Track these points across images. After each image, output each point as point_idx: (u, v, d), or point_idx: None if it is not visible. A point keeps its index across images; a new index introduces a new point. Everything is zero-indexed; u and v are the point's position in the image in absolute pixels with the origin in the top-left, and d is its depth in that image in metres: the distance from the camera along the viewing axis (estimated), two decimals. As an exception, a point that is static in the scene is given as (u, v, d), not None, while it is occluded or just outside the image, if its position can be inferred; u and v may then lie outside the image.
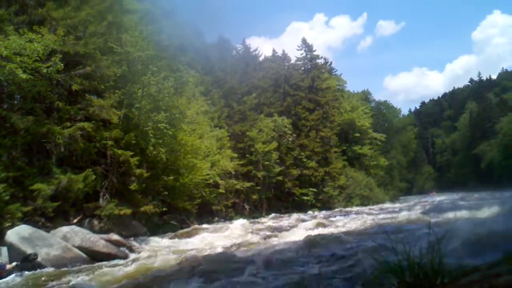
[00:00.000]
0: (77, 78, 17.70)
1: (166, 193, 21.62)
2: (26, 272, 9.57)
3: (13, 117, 15.50)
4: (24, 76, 14.53)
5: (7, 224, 12.69)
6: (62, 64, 16.21)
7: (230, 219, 30.11)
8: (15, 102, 17.24)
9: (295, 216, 29.39)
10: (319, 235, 12.88)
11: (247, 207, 35.90)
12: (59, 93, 17.86)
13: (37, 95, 16.72)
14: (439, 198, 52.94)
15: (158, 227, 20.29)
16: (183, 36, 37.41)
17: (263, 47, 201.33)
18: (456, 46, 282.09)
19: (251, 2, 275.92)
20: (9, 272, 9.38)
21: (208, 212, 28.93)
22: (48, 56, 16.00)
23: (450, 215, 16.47)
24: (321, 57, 59.88)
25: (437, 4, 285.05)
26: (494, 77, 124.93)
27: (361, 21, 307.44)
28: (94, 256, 11.56)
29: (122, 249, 12.68)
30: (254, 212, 35.76)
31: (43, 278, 8.98)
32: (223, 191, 30.86)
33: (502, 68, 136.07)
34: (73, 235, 12.11)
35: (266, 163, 38.42)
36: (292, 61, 54.16)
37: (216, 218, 29.07)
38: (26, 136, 16.09)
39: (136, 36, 20.14)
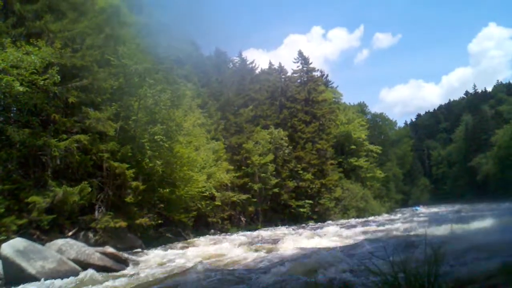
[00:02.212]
0: (74, 90, 17.68)
1: (162, 205, 21.57)
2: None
3: (9, 130, 15.45)
4: (21, 88, 14.50)
5: (2, 237, 12.60)
6: (59, 77, 16.21)
7: (226, 231, 30.04)
8: (11, 114, 17.21)
9: (291, 228, 29.34)
10: (314, 247, 12.86)
11: (243, 219, 35.80)
12: (56, 105, 17.81)
13: (34, 107, 16.69)
14: (425, 211, 53.17)
15: (153, 239, 20.17)
16: (180, 48, 37.56)
17: (261, 59, 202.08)
18: (452, 58, 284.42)
19: (248, 15, 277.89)
20: None
21: (204, 225, 28.83)
22: (45, 69, 16.00)
23: (447, 226, 16.47)
24: (318, 70, 60.42)
25: (434, 16, 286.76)
26: (489, 89, 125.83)
27: (358, 33, 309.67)
28: (89, 269, 11.48)
29: (118, 262, 12.60)
30: (250, 224, 35.67)
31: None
32: (219, 203, 30.76)
33: (497, 80, 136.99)
34: (68, 248, 12.03)
35: (263, 175, 38.41)
36: (289, 74, 54.43)
37: (212, 231, 28.95)
38: (22, 149, 16.05)
39: (133, 48, 20.21)
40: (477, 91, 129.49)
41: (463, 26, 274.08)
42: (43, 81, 15.67)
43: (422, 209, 56.15)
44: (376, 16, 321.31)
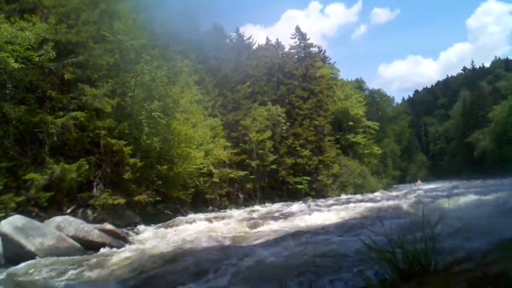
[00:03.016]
0: (70, 67, 17.55)
1: (160, 182, 21.60)
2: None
3: (5, 107, 15.37)
4: (15, 65, 14.38)
5: (1, 215, 12.64)
6: (54, 53, 16.07)
7: (224, 208, 30.18)
8: (7, 91, 17.08)
9: (289, 204, 29.50)
10: (312, 223, 12.95)
11: (241, 196, 35.96)
12: (52, 82, 17.68)
13: (29, 84, 16.59)
14: (425, 187, 51.40)
15: (152, 216, 20.26)
16: (176, 24, 37.12)
17: (258, 35, 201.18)
18: (450, 33, 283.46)
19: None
20: None
21: (202, 201, 28.94)
22: (40, 45, 15.86)
23: (444, 202, 16.58)
24: (315, 46, 59.87)
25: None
26: (487, 65, 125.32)
27: (356, 8, 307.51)
28: (88, 246, 11.55)
29: (116, 238, 12.67)
30: (248, 201, 35.83)
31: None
32: (217, 180, 30.84)
33: (495, 56, 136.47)
34: (67, 225, 12.08)
35: (260, 152, 38.43)
36: (286, 50, 54.03)
37: (210, 207, 29.08)
38: (19, 126, 15.99)
39: (128, 24, 19.97)
40: (475, 67, 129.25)
41: (462, 1, 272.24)
42: (38, 57, 15.53)
43: (419, 186, 55.75)
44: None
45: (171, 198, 23.16)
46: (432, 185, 57.78)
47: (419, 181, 62.43)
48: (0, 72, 15.11)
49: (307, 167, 44.78)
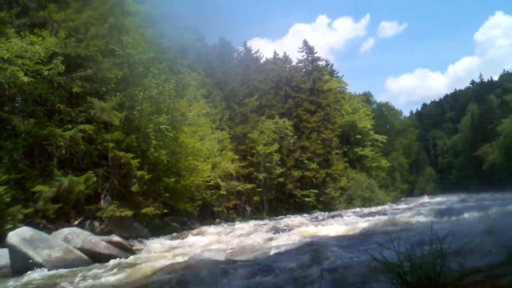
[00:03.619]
0: (78, 80, 17.72)
1: (167, 195, 21.64)
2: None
3: (15, 120, 15.53)
4: (25, 78, 14.52)
5: (9, 226, 12.70)
6: (63, 67, 16.26)
7: (232, 220, 30.14)
8: (17, 104, 17.26)
9: (296, 217, 29.38)
10: (320, 236, 12.88)
11: (248, 208, 35.92)
12: (61, 95, 17.88)
13: (39, 97, 16.75)
14: (433, 201, 51.20)
15: (159, 228, 20.27)
16: (184, 38, 37.44)
17: (266, 48, 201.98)
18: (458, 47, 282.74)
19: (253, 3, 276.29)
20: None
21: (209, 214, 28.94)
22: (50, 59, 16.04)
23: (453, 216, 16.44)
24: (323, 59, 60.23)
25: (440, 5, 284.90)
26: (495, 78, 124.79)
27: (363, 22, 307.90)
28: (96, 258, 11.56)
29: (123, 250, 12.67)
30: (256, 213, 35.78)
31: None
32: (225, 193, 30.87)
33: (504, 69, 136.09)
34: (74, 237, 12.10)
35: (268, 164, 38.45)
36: (294, 63, 54.25)
37: (218, 220, 29.06)
38: (28, 139, 16.12)
39: (137, 38, 20.15)
40: (483, 80, 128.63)
41: (470, 15, 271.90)
42: (47, 71, 15.70)
43: (425, 200, 55.16)
44: (382, 4, 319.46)
45: (178, 210, 23.17)
46: (440, 199, 57.32)
47: (425, 196, 62.60)
48: (10, 86, 15.29)
49: (315, 180, 44.71)
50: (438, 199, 56.29)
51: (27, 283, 8.82)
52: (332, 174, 46.55)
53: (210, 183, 26.98)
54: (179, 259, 10.45)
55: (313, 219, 25.29)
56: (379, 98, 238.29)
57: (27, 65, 14.90)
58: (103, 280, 8.61)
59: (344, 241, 10.14)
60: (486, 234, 7.54)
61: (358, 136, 60.22)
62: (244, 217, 32.71)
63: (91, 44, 18.37)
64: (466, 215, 15.98)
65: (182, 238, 17.03)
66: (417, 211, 25.19)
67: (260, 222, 26.63)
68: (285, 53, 54.63)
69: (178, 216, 23.49)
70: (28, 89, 15.62)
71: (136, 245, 14.71)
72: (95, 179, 17.07)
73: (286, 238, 14.76)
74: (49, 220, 15.29)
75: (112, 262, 11.12)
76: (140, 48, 19.91)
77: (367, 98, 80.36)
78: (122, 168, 19.10)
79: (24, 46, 14.87)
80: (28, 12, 18.01)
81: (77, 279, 8.78)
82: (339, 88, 65.55)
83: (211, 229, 20.67)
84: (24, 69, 14.75)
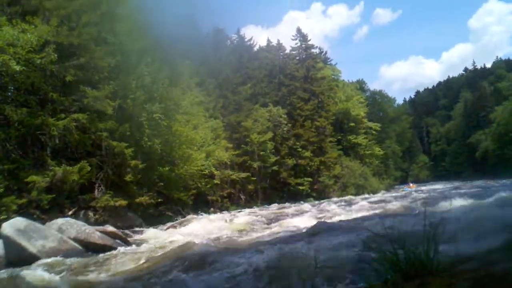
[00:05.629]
0: (71, 69, 17.56)
1: (162, 184, 21.62)
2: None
3: (7, 109, 15.40)
4: (17, 67, 14.42)
5: (2, 217, 12.67)
6: (55, 55, 16.13)
7: (226, 209, 30.19)
8: (9, 94, 17.12)
9: (290, 205, 29.49)
10: (314, 225, 12.92)
11: (242, 197, 35.99)
12: (53, 84, 17.72)
13: (31, 86, 16.60)
14: (416, 189, 51.07)
15: (153, 218, 20.27)
16: (177, 26, 37.15)
17: (260, 36, 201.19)
18: (452, 34, 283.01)
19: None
20: None
21: (203, 203, 28.95)
22: (42, 47, 15.90)
23: (446, 203, 16.54)
24: (316, 47, 60.16)
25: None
26: (488, 65, 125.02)
27: (358, 9, 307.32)
28: (90, 248, 11.53)
29: (118, 240, 12.66)
30: (250, 202, 35.86)
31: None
32: (219, 182, 30.89)
33: (497, 56, 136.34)
34: (68, 227, 12.05)
35: (262, 153, 38.47)
36: (287, 51, 54.10)
37: (212, 209, 29.07)
38: (20, 128, 16.03)
39: (129, 26, 19.98)
40: (476, 67, 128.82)
41: (464, 2, 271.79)
42: (40, 60, 15.58)
43: (411, 188, 55.00)
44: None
45: (172, 199, 23.17)
46: (433, 186, 57.66)
47: (411, 184, 64.04)
48: (2, 74, 15.15)
49: (309, 168, 44.82)
50: (431, 186, 56.61)
51: (21, 273, 8.81)
52: (326, 162, 46.66)
53: (204, 172, 26.99)
54: (173, 248, 10.46)
55: (307, 207, 25.32)
56: (373, 85, 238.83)
57: (19, 53, 14.78)
58: (97, 270, 8.61)
59: (337, 229, 10.18)
60: (479, 221, 7.59)
61: (352, 124, 60.25)
62: (238, 206, 32.78)
63: (84, 32, 18.20)
64: (459, 202, 16.08)
65: (176, 227, 17.04)
66: (411, 198, 25.34)
67: (254, 210, 26.68)
68: (278, 40, 54.57)
69: (172, 205, 23.49)
70: (20, 78, 15.49)
71: (131, 235, 14.70)
72: (89, 168, 17.01)
73: (279, 226, 14.82)
74: (43, 210, 15.24)
75: (106, 252, 11.12)
76: (133, 36, 19.75)
77: (360, 85, 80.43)
78: (116, 158, 19.04)
79: (16, 34, 14.74)
80: (20, 0, 17.79)
81: (71, 269, 8.77)
82: (332, 76, 65.50)
83: (205, 218, 20.68)
84: (16, 57, 14.63)
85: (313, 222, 14.43)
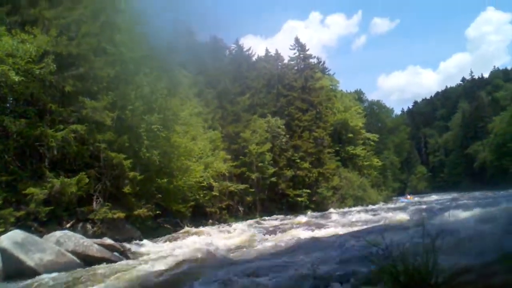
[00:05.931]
0: (70, 79, 17.59)
1: (160, 196, 21.52)
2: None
3: (6, 120, 15.39)
4: (16, 78, 14.43)
5: (0, 230, 12.60)
6: (55, 65, 16.16)
7: (225, 221, 30.07)
8: (8, 104, 17.12)
9: (288, 217, 29.42)
10: (312, 237, 12.91)
11: (241, 209, 35.86)
12: (52, 95, 17.71)
13: (30, 97, 16.63)
14: (413, 200, 51.35)
15: (152, 230, 20.19)
16: (176, 36, 37.25)
17: (259, 46, 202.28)
18: (450, 43, 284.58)
19: (245, 0, 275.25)
20: None
21: (202, 215, 28.83)
22: (41, 57, 15.94)
23: (445, 215, 16.51)
24: (314, 57, 60.37)
25: (432, 1, 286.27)
26: (486, 75, 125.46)
27: (356, 18, 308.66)
28: (88, 261, 11.47)
29: (116, 253, 12.61)
30: (248, 214, 35.71)
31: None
32: (217, 194, 30.78)
33: (494, 66, 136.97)
34: (66, 240, 12.01)
35: (260, 164, 38.40)
36: (285, 61, 54.25)
37: (210, 221, 28.96)
38: (19, 140, 16.00)
39: (129, 36, 20.03)
40: (474, 77, 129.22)
41: (461, 11, 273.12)
42: (39, 70, 15.61)
43: (408, 199, 55.01)
44: (374, 0, 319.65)
45: (171, 211, 23.08)
46: (431, 197, 57.60)
47: (408, 196, 64.94)
48: (0, 85, 15.15)
49: (307, 180, 44.70)
50: (430, 198, 56.51)
51: None
52: (325, 173, 46.57)
53: (202, 184, 26.91)
54: (172, 261, 10.42)
55: (306, 219, 25.25)
56: (371, 96, 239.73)
57: (18, 64, 14.82)
58: (95, 283, 8.56)
59: (335, 241, 10.16)
60: (478, 234, 7.58)
61: (350, 135, 60.21)
62: (237, 218, 32.64)
63: (83, 42, 18.25)
64: (457, 214, 16.06)
65: (175, 240, 16.99)
66: (409, 210, 25.30)
67: (253, 222, 26.60)
68: (276, 50, 54.60)
69: (170, 217, 23.40)
70: (19, 88, 15.49)
71: (129, 247, 14.63)
72: (87, 180, 16.97)
73: (276, 238, 14.79)
74: (41, 223, 15.17)
75: (104, 265, 11.07)
76: (132, 46, 19.80)
77: (358, 96, 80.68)
78: (115, 169, 18.98)
79: (15, 44, 14.78)
80: (19, 10, 17.86)
81: (69, 283, 8.73)
82: (331, 86, 65.60)
83: (204, 230, 20.62)
84: (15, 68, 14.66)
85: (313, 234, 14.42)
